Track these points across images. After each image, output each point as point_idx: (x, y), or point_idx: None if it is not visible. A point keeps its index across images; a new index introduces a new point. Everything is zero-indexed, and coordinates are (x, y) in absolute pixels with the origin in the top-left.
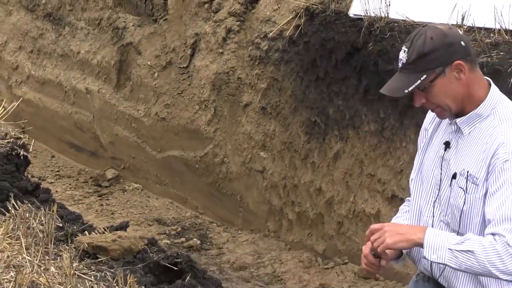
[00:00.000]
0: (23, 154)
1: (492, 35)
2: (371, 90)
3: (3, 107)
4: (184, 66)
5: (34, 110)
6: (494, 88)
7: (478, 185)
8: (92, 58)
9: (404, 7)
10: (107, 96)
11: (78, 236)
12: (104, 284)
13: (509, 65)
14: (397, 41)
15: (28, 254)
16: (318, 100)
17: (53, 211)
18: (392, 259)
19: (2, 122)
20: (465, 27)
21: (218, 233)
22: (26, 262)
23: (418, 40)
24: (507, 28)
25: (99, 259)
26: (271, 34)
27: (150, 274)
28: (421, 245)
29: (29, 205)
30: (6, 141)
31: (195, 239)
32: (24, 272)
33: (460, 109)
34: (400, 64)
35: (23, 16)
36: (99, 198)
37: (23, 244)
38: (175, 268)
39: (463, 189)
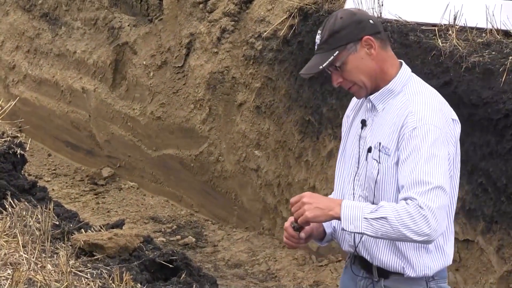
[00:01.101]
0: (20, 153)
1: (484, 34)
2: None
3: (0, 106)
4: (179, 65)
5: (31, 109)
6: (405, 67)
7: (389, 155)
8: (88, 57)
9: (396, 7)
10: (103, 95)
11: (74, 234)
12: (100, 282)
13: (501, 64)
14: (390, 41)
15: (25, 252)
16: (311, 99)
17: (49, 209)
18: (317, 241)
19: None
20: (457, 26)
21: (213, 231)
22: (23, 260)
23: (330, 21)
24: (499, 27)
25: (95, 257)
26: (265, 34)
27: (146, 271)
28: (338, 218)
29: (26, 203)
30: (3, 139)
31: (190, 236)
32: (21, 269)
33: (374, 86)
34: (315, 46)
35: (19, 16)
36: (95, 196)
37: (20, 242)
38: (171, 266)
39: (376, 160)
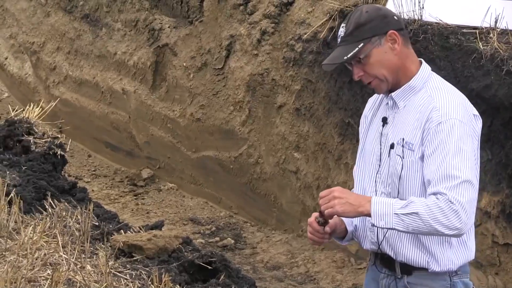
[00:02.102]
0: (60, 154)
1: None
2: None
3: (41, 107)
4: (219, 67)
5: (71, 110)
6: (425, 64)
7: (414, 151)
8: (129, 59)
9: (437, 10)
10: (143, 96)
11: (113, 235)
12: (139, 283)
13: None
14: (431, 43)
15: (64, 252)
16: (351, 102)
17: (89, 210)
18: (338, 239)
19: (40, 121)
20: (498, 29)
21: (252, 232)
22: (62, 260)
23: (355, 14)
24: None
25: (134, 258)
26: (305, 36)
27: (185, 273)
28: (368, 214)
29: (66, 204)
30: (43, 140)
31: (229, 238)
32: (60, 270)
33: (395, 81)
34: (339, 39)
35: (61, 18)
36: (135, 197)
37: (60, 242)
38: (209, 267)
39: (400, 156)
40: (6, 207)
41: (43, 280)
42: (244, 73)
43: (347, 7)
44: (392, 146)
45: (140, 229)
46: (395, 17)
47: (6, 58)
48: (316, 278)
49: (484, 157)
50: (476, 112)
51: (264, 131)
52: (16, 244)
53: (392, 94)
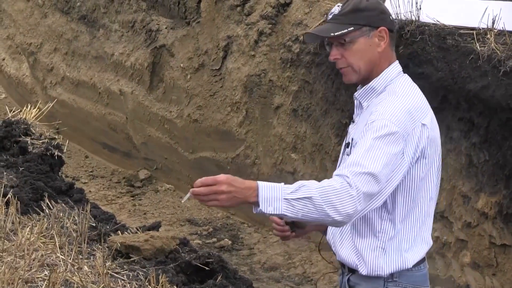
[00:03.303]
0: (57, 155)
1: None
2: None
3: (38, 108)
4: (217, 68)
5: (68, 111)
6: (393, 67)
7: None
8: (126, 60)
9: (434, 11)
10: (140, 97)
11: (111, 235)
12: (136, 283)
13: None
14: (428, 44)
15: (61, 253)
16: (348, 103)
17: (86, 211)
18: (322, 232)
19: (37, 122)
20: (496, 30)
21: (249, 233)
22: (59, 261)
23: None
24: None
25: (132, 259)
26: (302, 37)
27: (182, 274)
28: (257, 204)
29: (63, 204)
30: (41, 141)
31: (226, 239)
32: (57, 271)
33: (366, 77)
34: (329, 16)
35: (58, 19)
36: (132, 198)
37: (57, 243)
38: (207, 268)
39: (348, 155)
40: (4, 208)
41: (40, 281)
42: (241, 74)
43: None
44: (347, 145)
45: (137, 230)
46: (391, 17)
47: (3, 59)
48: (313, 279)
49: (481, 158)
50: (428, 121)
51: (261, 132)
52: (13, 245)
53: (356, 94)
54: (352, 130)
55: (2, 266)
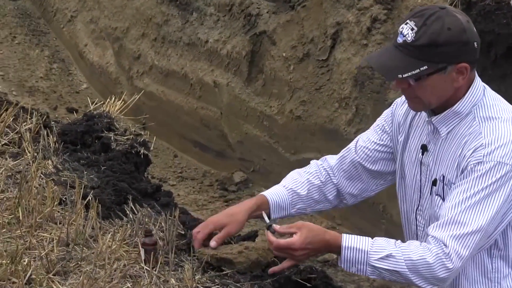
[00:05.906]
0: (143, 153)
1: None
2: None
3: (123, 100)
4: (323, 58)
5: (156, 104)
6: (477, 84)
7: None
8: (222, 48)
9: None
10: (236, 90)
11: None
12: None
13: None
14: None
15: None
16: None
17: (174, 217)
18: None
19: (122, 116)
20: None
21: None
22: (144, 273)
23: (434, 25)
24: None
25: (224, 272)
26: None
27: None
28: (337, 258)
29: (149, 209)
30: (125, 137)
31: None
32: (141, 283)
33: (438, 106)
34: (400, 39)
35: (147, 1)
36: (225, 203)
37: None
38: (308, 285)
39: (440, 196)
40: (83, 211)
41: None
42: (351, 65)
43: None
44: (434, 183)
45: (231, 240)
46: (475, 44)
47: (85, 45)
48: None
49: None
50: None
51: None
52: (93, 253)
53: (433, 119)
54: (431, 161)
55: (80, 276)
